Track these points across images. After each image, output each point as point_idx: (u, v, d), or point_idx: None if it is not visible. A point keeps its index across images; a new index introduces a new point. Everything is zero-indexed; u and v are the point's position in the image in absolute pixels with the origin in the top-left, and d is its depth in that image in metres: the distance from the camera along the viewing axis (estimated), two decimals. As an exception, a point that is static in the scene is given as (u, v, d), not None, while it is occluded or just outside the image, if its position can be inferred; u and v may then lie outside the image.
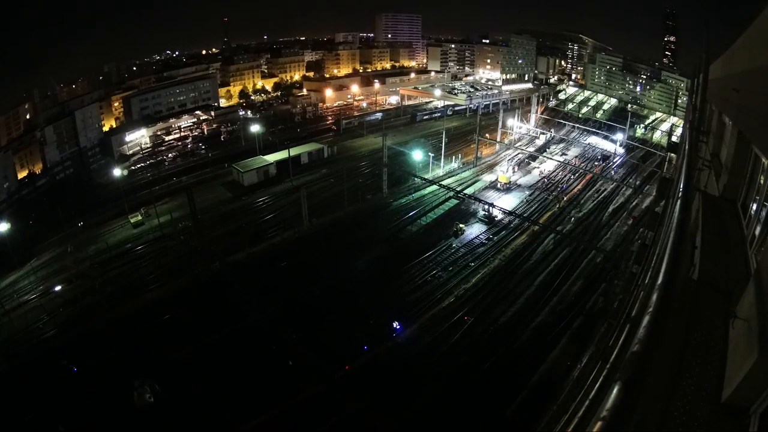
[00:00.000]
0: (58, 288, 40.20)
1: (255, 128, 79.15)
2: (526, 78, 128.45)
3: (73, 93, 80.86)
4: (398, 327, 32.74)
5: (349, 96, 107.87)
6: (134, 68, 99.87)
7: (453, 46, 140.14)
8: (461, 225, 47.07)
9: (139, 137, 77.64)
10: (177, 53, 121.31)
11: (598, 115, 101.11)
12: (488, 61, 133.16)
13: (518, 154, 70.30)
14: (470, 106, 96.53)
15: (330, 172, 62.38)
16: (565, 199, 55.81)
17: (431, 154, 60.49)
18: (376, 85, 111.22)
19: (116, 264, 43.57)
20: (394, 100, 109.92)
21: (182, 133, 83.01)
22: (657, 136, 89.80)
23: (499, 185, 57.81)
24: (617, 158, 71.59)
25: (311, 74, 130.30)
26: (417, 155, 60.33)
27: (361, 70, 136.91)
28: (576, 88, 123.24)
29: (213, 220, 50.75)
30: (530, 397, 27.01)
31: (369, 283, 38.13)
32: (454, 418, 25.76)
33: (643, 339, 3.89)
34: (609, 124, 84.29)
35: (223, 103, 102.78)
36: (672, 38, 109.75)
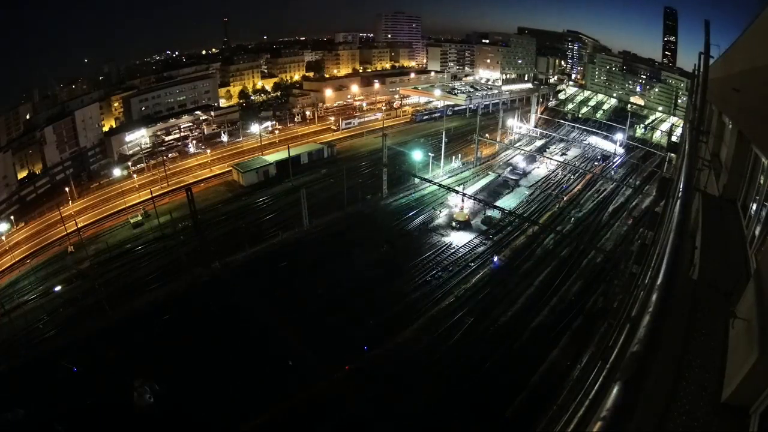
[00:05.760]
0: (58, 288, 40.22)
1: (255, 128, 79.36)
2: (526, 78, 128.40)
3: (73, 93, 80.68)
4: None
5: (348, 96, 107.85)
6: (134, 68, 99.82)
7: (453, 46, 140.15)
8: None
9: (139, 137, 77.53)
10: (177, 53, 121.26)
11: (598, 115, 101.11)
12: (488, 61, 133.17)
13: (517, 154, 70.32)
14: (470, 106, 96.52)
15: (330, 172, 62.39)
16: (565, 199, 55.84)
17: (431, 154, 60.52)
18: (376, 85, 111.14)
19: (116, 264, 43.60)
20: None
21: (182, 133, 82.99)
22: (657, 136, 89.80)
23: (454, 223, 48.26)
24: (617, 158, 71.60)
25: (311, 74, 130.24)
26: (417, 155, 60.35)
27: (361, 70, 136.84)
28: (576, 88, 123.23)
29: (213, 220, 50.82)
30: (530, 397, 27.03)
31: (369, 283, 38.15)
32: (455, 419, 25.76)
33: (643, 339, 3.88)
34: (609, 124, 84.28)
35: (223, 103, 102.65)
36: (672, 38, 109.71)
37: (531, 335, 32.73)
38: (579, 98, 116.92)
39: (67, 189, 58.69)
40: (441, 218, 50.24)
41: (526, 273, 40.33)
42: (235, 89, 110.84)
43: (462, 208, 50.18)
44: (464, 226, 47.95)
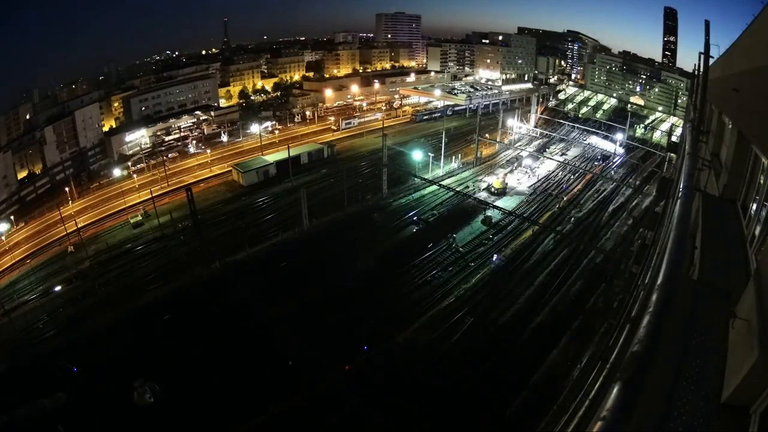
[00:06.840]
0: (58, 288, 40.21)
1: (255, 128, 79.36)
2: (526, 78, 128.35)
3: (73, 93, 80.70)
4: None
5: (348, 96, 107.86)
6: (134, 68, 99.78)
7: (453, 46, 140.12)
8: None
9: (139, 137, 77.54)
10: (177, 53, 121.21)
11: (598, 115, 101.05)
12: (488, 61, 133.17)
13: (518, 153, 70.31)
14: (470, 106, 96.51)
15: (330, 172, 62.38)
16: (565, 199, 55.84)
17: (431, 154, 60.50)
18: (376, 85, 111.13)
19: (116, 264, 43.58)
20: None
21: (182, 133, 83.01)
22: (657, 136, 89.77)
23: (492, 189, 57.02)
24: (617, 158, 71.58)
25: (311, 74, 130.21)
26: (417, 155, 60.34)
27: (361, 71, 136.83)
28: (576, 88, 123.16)
29: (213, 220, 50.81)
30: (530, 397, 27.02)
31: (369, 283, 38.14)
32: (454, 418, 25.76)
33: (643, 339, 3.88)
34: (609, 124, 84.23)
35: (223, 103, 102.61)
36: (672, 38, 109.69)
37: (531, 335, 32.73)
38: (579, 98, 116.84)
39: (67, 189, 58.67)
40: (482, 188, 58.62)
41: (526, 273, 40.33)
42: (235, 89, 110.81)
43: (499, 178, 59.05)
44: (500, 192, 56.09)
